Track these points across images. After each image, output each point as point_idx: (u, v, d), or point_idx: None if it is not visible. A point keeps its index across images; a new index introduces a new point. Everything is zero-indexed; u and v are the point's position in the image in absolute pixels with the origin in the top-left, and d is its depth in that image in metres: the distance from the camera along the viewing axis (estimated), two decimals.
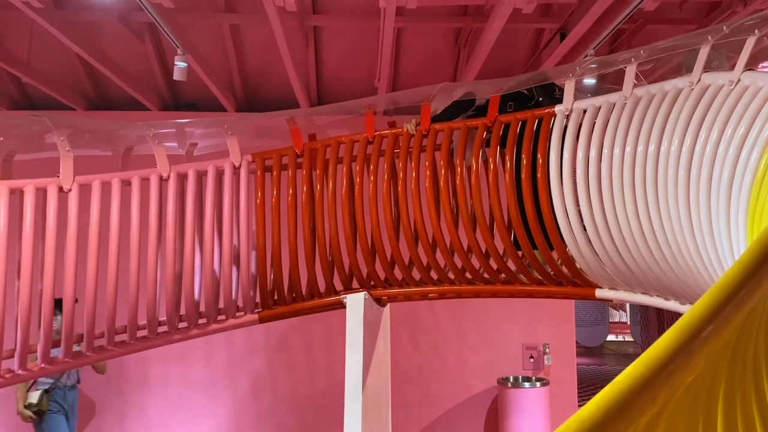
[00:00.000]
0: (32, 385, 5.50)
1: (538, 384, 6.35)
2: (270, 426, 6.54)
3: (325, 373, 6.51)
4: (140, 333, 3.58)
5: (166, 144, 3.67)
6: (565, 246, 3.15)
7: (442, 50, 6.44)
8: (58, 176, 3.20)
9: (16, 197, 3.12)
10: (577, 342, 7.93)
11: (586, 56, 5.00)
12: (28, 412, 5.51)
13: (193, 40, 5.33)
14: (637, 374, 0.72)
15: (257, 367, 6.60)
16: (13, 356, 3.22)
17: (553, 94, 3.49)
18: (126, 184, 3.41)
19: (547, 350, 6.67)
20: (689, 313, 0.77)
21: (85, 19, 5.47)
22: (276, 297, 3.85)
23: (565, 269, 3.30)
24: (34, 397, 5.55)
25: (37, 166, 3.36)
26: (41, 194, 3.15)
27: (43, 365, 3.30)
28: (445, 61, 6.48)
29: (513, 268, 3.50)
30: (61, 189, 3.19)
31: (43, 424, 5.57)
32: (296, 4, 4.26)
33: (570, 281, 3.34)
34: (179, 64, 4.80)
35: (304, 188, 3.70)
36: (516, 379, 6.51)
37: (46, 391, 5.56)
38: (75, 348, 3.43)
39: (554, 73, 3.41)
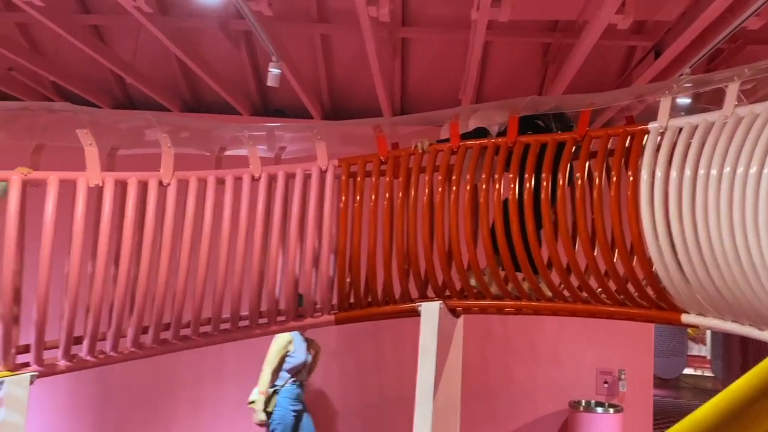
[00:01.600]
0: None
1: (611, 410, 6.14)
2: (338, 429, 6.61)
3: (393, 380, 6.53)
4: (223, 326, 3.72)
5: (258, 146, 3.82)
6: (652, 266, 3.07)
7: (529, 65, 6.40)
8: (159, 171, 3.38)
9: (119, 189, 3.31)
10: None
11: (682, 75, 4.85)
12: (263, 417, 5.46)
13: (285, 47, 5.51)
14: (753, 385, 0.71)
15: (326, 370, 6.69)
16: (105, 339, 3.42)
17: (569, 126, 3.58)
18: (220, 182, 3.56)
19: (623, 376, 6.45)
20: None
21: (188, 25, 5.76)
22: (352, 300, 3.91)
23: (649, 290, 3.20)
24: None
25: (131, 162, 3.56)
26: (143, 187, 3.33)
27: (133, 349, 3.48)
28: (531, 76, 6.43)
29: (594, 286, 3.43)
30: (160, 183, 3.37)
31: (286, 425, 5.53)
32: (389, 15, 4.34)
33: (654, 304, 3.24)
34: (273, 71, 4.97)
35: (386, 195, 3.76)
36: (588, 403, 6.31)
37: (275, 392, 5.54)
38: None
39: (649, 90, 3.34)
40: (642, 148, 3.07)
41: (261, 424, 5.57)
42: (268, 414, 5.54)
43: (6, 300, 3.01)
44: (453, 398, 4.02)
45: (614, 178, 3.17)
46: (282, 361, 5.64)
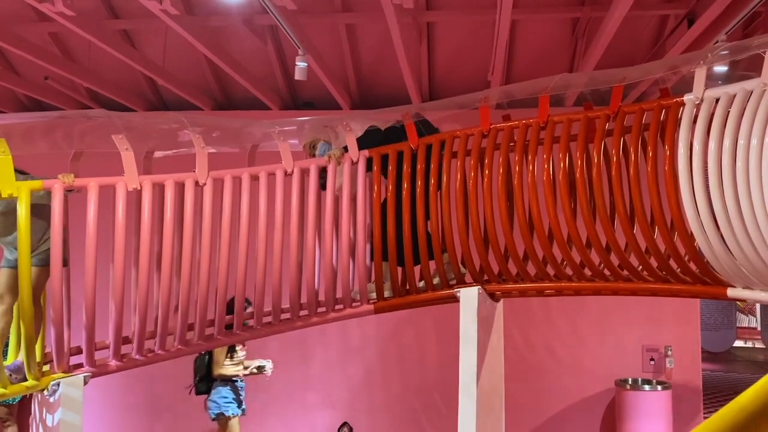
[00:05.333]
0: None
1: (659, 387, 6.05)
2: (383, 417, 6.67)
3: (437, 366, 6.54)
4: (266, 319, 3.78)
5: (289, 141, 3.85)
6: (694, 240, 3.00)
7: (557, 42, 6.28)
8: (194, 171, 3.44)
9: (157, 191, 3.38)
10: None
11: (717, 42, 4.70)
12: None
13: (311, 40, 5.51)
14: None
15: (370, 359, 6.75)
16: (154, 337, 3.51)
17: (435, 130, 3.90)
18: (254, 178, 3.60)
19: (669, 352, 6.33)
20: None
21: (213, 23, 5.81)
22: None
23: (693, 266, 3.14)
24: None
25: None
26: (179, 188, 3.39)
27: (179, 346, 3.56)
28: (561, 53, 6.31)
29: (635, 263, 3.37)
30: (196, 183, 3.42)
31: None
32: (413, 1, 4.30)
33: (698, 279, 3.18)
34: (300, 65, 4.99)
35: (419, 182, 3.76)
36: (635, 381, 6.23)
37: None
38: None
39: (683, 61, 3.25)
40: (678, 121, 3.00)
41: None
42: None
43: (56, 305, 3.10)
44: (497, 382, 4.01)
45: (650, 154, 3.11)
46: None
